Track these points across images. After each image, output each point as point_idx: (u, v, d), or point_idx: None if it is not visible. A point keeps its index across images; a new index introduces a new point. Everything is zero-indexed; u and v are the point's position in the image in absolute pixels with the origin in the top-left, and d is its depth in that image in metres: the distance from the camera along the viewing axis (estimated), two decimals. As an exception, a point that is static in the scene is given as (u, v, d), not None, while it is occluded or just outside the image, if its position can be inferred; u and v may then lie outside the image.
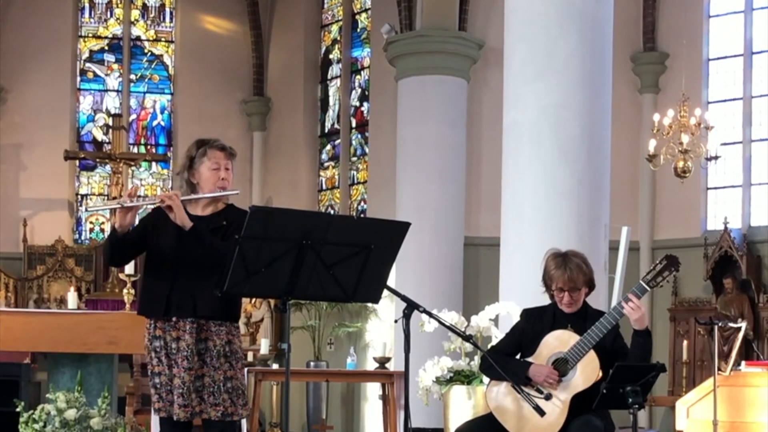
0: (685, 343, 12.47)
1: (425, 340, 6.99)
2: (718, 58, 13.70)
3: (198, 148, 4.96)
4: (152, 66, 16.72)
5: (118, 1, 16.59)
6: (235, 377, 4.91)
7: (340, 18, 16.10)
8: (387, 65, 13.88)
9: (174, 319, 4.85)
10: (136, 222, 5.03)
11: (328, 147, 16.12)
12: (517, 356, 5.27)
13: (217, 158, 4.92)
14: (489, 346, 5.56)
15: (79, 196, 16.11)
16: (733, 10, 13.63)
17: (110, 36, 16.59)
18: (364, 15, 15.77)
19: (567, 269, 5.14)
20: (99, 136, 16.34)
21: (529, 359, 5.13)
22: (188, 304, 4.81)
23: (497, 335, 6.87)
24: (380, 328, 13.95)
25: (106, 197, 15.60)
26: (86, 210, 15.95)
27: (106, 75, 16.55)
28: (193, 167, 4.94)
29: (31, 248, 15.12)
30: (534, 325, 5.26)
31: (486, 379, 5.63)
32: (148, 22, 16.77)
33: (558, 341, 5.11)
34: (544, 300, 5.37)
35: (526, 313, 5.39)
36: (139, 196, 4.90)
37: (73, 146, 15.85)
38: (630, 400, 4.92)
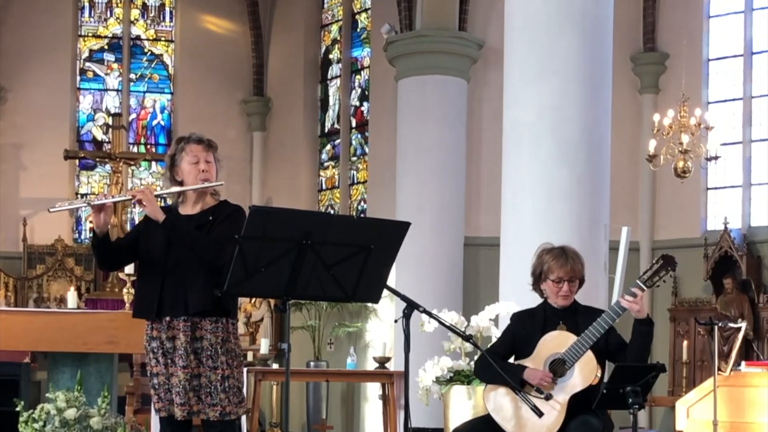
0: (685, 343, 12.46)
1: (425, 340, 6.98)
2: (718, 58, 13.69)
3: (177, 146, 4.97)
4: (152, 65, 16.71)
5: (118, 1, 16.58)
6: (232, 376, 4.89)
7: (340, 18, 16.10)
8: (387, 65, 13.87)
9: (168, 318, 4.85)
10: (114, 221, 5.04)
11: (328, 147, 16.11)
12: (511, 359, 5.27)
13: (195, 152, 4.91)
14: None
15: (79, 196, 16.08)
16: (733, 10, 13.62)
17: (110, 35, 16.58)
18: (364, 15, 15.77)
19: (569, 259, 5.18)
20: (99, 135, 16.33)
21: (526, 361, 5.13)
22: (180, 302, 4.80)
23: (497, 335, 6.86)
24: (380, 328, 13.94)
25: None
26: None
27: (106, 74, 16.55)
28: (175, 165, 4.95)
29: (31, 248, 15.11)
30: (525, 326, 5.26)
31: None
32: (148, 22, 16.77)
33: (555, 342, 5.11)
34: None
35: (516, 316, 5.40)
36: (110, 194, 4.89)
37: (73, 146, 15.85)
38: (630, 400, 4.92)
